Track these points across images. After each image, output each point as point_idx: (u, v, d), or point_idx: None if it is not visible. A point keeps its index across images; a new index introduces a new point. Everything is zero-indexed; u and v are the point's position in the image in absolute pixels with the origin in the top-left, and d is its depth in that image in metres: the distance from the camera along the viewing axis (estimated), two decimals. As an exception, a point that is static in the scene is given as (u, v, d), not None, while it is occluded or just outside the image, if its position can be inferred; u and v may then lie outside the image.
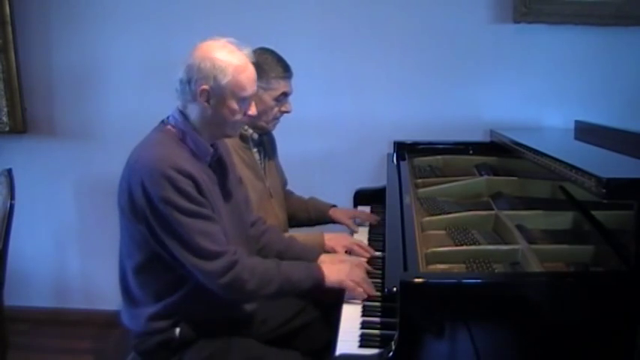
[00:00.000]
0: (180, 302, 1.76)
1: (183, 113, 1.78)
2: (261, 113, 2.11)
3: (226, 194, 1.87)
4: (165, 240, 1.68)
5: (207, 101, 1.73)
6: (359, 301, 1.80)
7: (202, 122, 1.77)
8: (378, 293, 1.83)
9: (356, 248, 2.15)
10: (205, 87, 1.71)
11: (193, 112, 1.77)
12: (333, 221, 2.47)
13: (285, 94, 2.20)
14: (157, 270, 1.75)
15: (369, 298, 1.81)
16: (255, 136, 2.25)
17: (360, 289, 1.82)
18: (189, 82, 1.73)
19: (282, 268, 1.80)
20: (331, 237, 2.21)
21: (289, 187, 2.55)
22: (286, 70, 2.19)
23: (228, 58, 1.72)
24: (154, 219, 1.67)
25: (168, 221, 1.66)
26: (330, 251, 2.15)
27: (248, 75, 1.76)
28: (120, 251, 1.83)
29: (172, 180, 1.65)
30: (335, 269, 1.87)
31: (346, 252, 2.15)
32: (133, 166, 1.71)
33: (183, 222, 1.66)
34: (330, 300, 1.90)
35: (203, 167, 1.78)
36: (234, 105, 1.75)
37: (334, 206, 2.51)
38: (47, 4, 3.05)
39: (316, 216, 2.47)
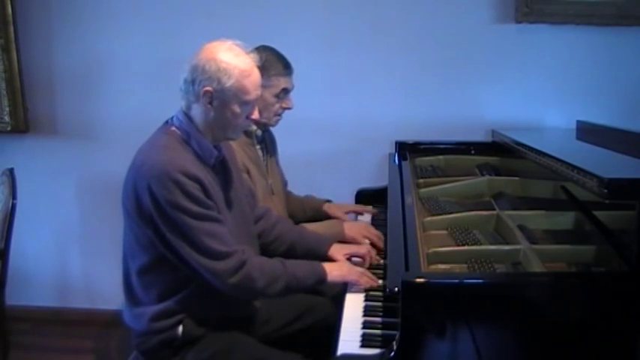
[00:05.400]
0: (183, 302, 1.77)
1: (187, 115, 1.78)
2: (261, 110, 2.12)
3: (229, 196, 1.87)
4: (173, 243, 1.69)
5: (210, 103, 1.73)
6: (361, 291, 1.85)
7: (205, 124, 1.77)
8: (380, 282, 1.87)
9: (375, 239, 2.18)
10: (209, 89, 1.71)
11: (196, 113, 1.77)
12: (328, 216, 2.48)
13: (285, 91, 2.20)
14: (161, 271, 1.76)
15: (371, 298, 1.82)
16: (259, 132, 2.27)
17: (364, 280, 1.87)
18: (193, 82, 1.73)
19: (288, 266, 1.82)
20: (351, 226, 2.23)
21: (288, 187, 2.56)
22: (286, 67, 2.19)
23: (234, 61, 1.72)
24: (162, 223, 1.68)
25: (177, 225, 1.67)
26: (351, 241, 2.17)
27: (253, 79, 1.75)
28: (123, 252, 1.83)
29: (180, 184, 1.66)
30: (337, 266, 1.92)
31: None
32: (140, 170, 1.71)
33: (192, 225, 1.67)
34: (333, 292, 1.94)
35: (207, 169, 1.78)
36: (237, 108, 1.75)
37: (329, 201, 2.52)
38: (49, 4, 3.05)
39: (312, 213, 2.48)
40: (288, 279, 1.79)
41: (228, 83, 1.71)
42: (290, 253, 2.03)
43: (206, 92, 1.72)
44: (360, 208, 2.56)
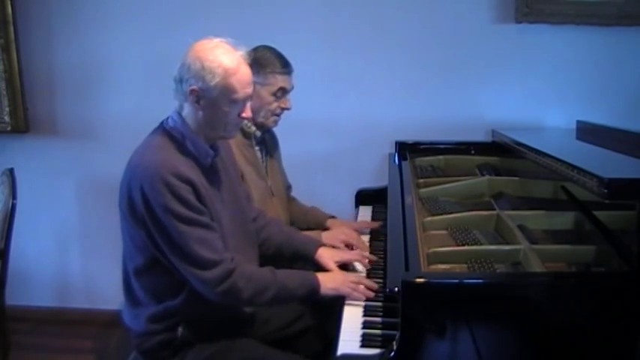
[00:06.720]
0: (182, 303, 1.76)
1: (180, 115, 1.77)
2: (258, 109, 2.10)
3: (227, 195, 1.87)
4: (162, 246, 1.68)
5: (198, 102, 1.71)
6: (360, 302, 1.80)
7: (196, 123, 1.76)
8: (375, 293, 1.83)
9: (355, 243, 2.16)
10: (194, 87, 1.70)
11: (188, 113, 1.76)
12: None
13: (283, 90, 2.17)
14: (159, 272, 1.75)
15: (371, 298, 1.81)
16: (258, 133, 2.23)
17: (357, 293, 1.81)
18: (180, 81, 1.72)
19: (278, 277, 1.79)
20: (328, 235, 2.20)
21: (293, 191, 2.54)
22: (284, 66, 2.16)
23: (220, 59, 1.69)
24: (152, 225, 1.67)
25: (167, 228, 1.66)
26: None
27: (240, 77, 1.72)
28: (123, 252, 1.83)
29: (172, 186, 1.64)
30: (330, 277, 1.87)
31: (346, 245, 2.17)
32: (134, 171, 1.70)
33: (181, 229, 1.65)
34: (329, 303, 1.89)
35: (203, 170, 1.77)
36: (226, 107, 1.72)
37: (333, 217, 2.46)
38: (49, 4, 3.05)
39: (315, 226, 2.41)
40: (277, 289, 1.76)
41: (213, 82, 1.68)
42: (278, 255, 2.02)
43: (192, 91, 1.70)
44: (364, 224, 2.44)
